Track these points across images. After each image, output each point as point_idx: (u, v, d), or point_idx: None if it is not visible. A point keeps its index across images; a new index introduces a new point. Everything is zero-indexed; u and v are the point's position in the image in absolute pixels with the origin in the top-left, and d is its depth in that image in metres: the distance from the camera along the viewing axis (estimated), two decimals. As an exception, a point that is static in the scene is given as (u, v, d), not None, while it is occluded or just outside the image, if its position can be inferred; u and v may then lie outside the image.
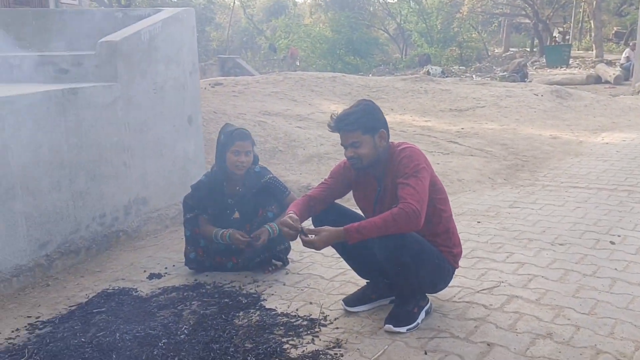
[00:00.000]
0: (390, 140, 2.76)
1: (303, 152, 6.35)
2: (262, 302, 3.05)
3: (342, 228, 2.53)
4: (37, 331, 2.82)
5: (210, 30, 39.85)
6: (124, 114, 4.05)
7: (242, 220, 3.49)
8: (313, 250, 2.77)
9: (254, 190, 3.48)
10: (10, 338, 2.76)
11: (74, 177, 3.69)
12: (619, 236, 3.89)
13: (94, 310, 3.00)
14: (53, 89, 3.59)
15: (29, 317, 3.00)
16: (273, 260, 3.54)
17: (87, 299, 3.18)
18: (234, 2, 39.12)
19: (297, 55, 24.78)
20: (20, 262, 3.38)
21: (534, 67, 22.06)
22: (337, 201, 2.94)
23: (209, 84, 10.02)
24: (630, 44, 18.46)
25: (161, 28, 4.38)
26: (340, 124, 2.68)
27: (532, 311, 2.80)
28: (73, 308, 3.08)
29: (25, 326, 2.89)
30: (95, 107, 3.82)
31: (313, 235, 2.56)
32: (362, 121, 2.65)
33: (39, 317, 3.00)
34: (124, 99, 4.05)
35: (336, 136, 2.79)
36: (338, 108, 9.54)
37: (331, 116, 2.75)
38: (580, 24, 33.73)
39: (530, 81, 15.92)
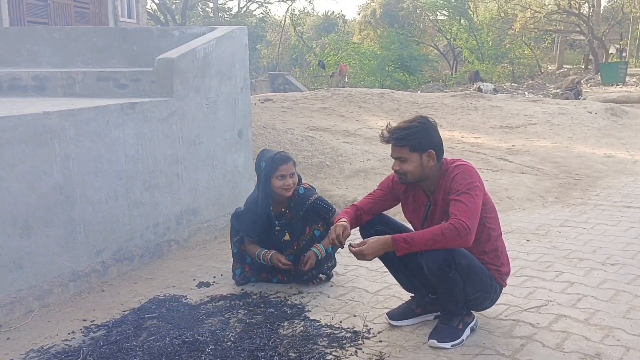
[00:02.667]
0: (444, 157, 2.77)
1: (350, 166, 6.40)
2: (306, 313, 3.10)
3: (389, 237, 2.57)
4: (91, 334, 2.95)
5: (262, 47, 40.65)
6: (178, 128, 4.21)
7: (290, 240, 3.55)
8: (363, 262, 2.82)
9: (300, 212, 3.51)
10: (66, 340, 2.90)
11: (130, 187, 3.85)
12: (675, 258, 3.77)
13: (146, 316, 3.11)
14: (112, 104, 3.76)
15: (84, 320, 3.14)
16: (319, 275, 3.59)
17: (139, 305, 3.30)
18: (285, 20, 39.81)
19: (345, 71, 24.90)
20: (78, 267, 3.54)
21: (589, 85, 21.52)
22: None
23: (259, 100, 10.23)
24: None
25: (215, 45, 4.53)
26: (391, 136, 2.71)
27: (580, 331, 2.75)
28: (126, 313, 3.20)
29: (81, 329, 3.02)
30: (152, 120, 3.98)
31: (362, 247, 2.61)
32: (411, 138, 2.67)
33: (93, 320, 3.13)
34: (179, 114, 4.21)
35: (383, 151, 2.84)
36: (385, 124, 9.59)
37: (387, 126, 2.78)
38: (637, 41, 32.74)
39: (584, 99, 15.54)
